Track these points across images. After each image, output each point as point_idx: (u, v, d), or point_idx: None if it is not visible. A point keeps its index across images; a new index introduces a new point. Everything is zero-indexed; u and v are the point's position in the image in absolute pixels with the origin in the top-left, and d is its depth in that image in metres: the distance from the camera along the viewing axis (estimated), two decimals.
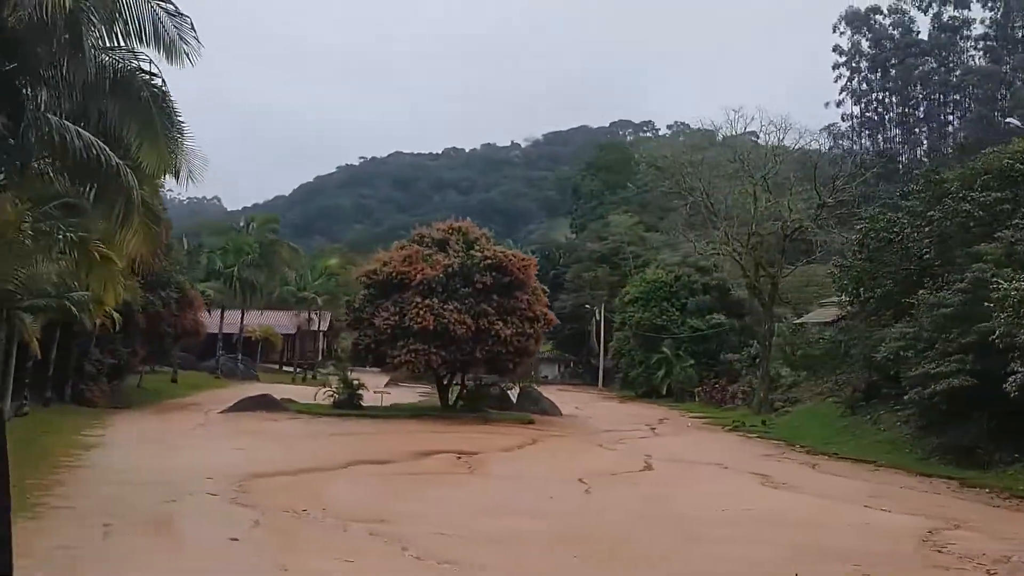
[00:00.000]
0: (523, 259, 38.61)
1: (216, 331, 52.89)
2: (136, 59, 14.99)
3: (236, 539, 13.65)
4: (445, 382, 40.65)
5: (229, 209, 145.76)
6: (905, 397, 28.05)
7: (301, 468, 22.10)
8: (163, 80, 14.95)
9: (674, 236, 72.29)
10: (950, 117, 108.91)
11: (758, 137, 52.67)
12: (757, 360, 52.67)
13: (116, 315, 29.07)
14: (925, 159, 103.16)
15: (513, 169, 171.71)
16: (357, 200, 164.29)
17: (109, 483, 18.60)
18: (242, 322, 56.16)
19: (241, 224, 58.87)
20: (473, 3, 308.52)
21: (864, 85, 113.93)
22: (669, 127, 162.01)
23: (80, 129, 15.23)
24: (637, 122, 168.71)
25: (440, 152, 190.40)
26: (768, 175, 45.52)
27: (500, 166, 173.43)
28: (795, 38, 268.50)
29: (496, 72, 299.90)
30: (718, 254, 48.32)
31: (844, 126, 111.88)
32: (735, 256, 46.31)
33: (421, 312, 36.45)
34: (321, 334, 67.57)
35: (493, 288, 37.32)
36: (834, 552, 14.07)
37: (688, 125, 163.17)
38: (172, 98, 15.07)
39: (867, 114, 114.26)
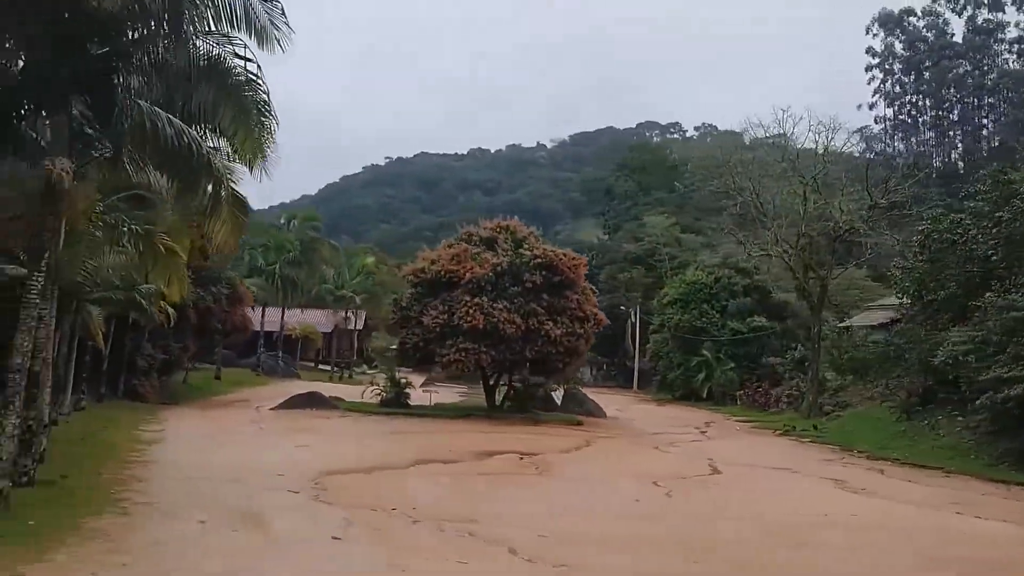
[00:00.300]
0: (573, 258, 38.11)
1: (258, 328, 52.75)
2: (231, 43, 14.58)
3: (338, 538, 13.28)
4: (492, 382, 40.15)
5: (255, 208, 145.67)
6: (977, 402, 27.28)
7: (371, 466, 21.76)
8: (258, 66, 14.56)
9: (715, 237, 71.86)
10: (984, 120, 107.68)
11: (786, 139, 51.99)
12: (804, 363, 52.06)
13: (171, 310, 28.80)
14: (960, 162, 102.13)
15: (539, 170, 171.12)
16: (382, 200, 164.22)
17: (184, 479, 18.30)
18: (283, 319, 55.98)
19: (282, 221, 58.71)
20: (498, 6, 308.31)
21: (897, 87, 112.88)
22: (696, 128, 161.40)
23: (171, 116, 14.87)
24: (664, 124, 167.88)
25: (465, 152, 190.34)
26: (818, 175, 44.80)
27: (525, 167, 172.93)
28: (821, 42, 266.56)
29: (522, 73, 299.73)
30: (768, 255, 47.53)
31: (877, 128, 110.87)
32: (784, 257, 45.59)
33: (471, 311, 36.03)
34: (356, 333, 67.30)
35: (543, 287, 36.86)
36: (955, 559, 13.55)
37: (715, 127, 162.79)
38: (264, 84, 14.65)
39: (900, 117, 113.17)
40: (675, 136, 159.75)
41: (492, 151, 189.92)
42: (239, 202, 15.81)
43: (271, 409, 35.66)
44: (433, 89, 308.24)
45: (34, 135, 16.17)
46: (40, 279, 14.69)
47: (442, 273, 37.51)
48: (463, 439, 28.84)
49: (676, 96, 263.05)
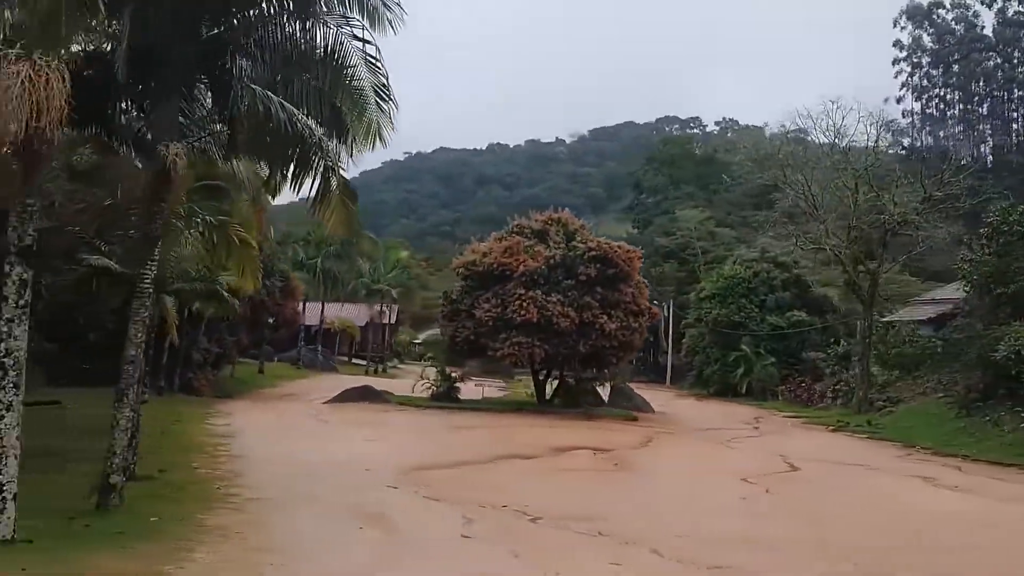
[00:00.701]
0: (628, 251, 37.56)
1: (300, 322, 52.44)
2: (348, 24, 14.08)
3: (468, 537, 12.83)
4: (542, 377, 39.70)
5: (275, 203, 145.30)
6: None
7: (453, 461, 21.35)
8: (377, 48, 14.05)
9: (746, 233, 71.31)
10: (1015, 114, 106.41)
11: (807, 134, 51.36)
12: (849, 358, 51.41)
13: (236, 302, 28.39)
14: (990, 156, 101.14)
15: (558, 165, 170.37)
16: (402, 195, 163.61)
17: (279, 473, 17.89)
18: (322, 313, 55.62)
19: None
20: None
21: (925, 81, 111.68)
22: (717, 123, 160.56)
23: (283, 101, 14.42)
24: (683, 118, 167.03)
25: (484, 148, 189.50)
26: (870, 167, 44.10)
27: (545, 162, 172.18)
28: (846, 35, 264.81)
29: (541, 67, 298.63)
30: (821, 248, 46.89)
31: (904, 123, 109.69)
32: (835, 251, 44.91)
33: (525, 304, 35.51)
34: (388, 327, 66.94)
35: (598, 280, 36.34)
36: None
37: (736, 121, 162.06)
38: (383, 67, 14.14)
39: (928, 110, 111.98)
40: (695, 131, 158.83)
41: (511, 146, 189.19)
42: (349, 191, 15.31)
43: (324, 403, 35.28)
44: (452, 84, 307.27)
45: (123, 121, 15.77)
46: (154, 268, 14.29)
47: (494, 266, 36.97)
48: (529, 434, 28.39)
49: (695, 91, 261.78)
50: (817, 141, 50.09)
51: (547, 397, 39.76)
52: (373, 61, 14.11)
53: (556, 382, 40.11)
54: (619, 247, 37.57)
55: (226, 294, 25.14)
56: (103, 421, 25.25)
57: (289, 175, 15.12)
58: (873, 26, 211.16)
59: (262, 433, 24.31)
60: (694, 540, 13.14)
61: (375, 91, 14.17)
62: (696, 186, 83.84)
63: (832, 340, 55.94)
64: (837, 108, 47.61)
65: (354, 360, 64.29)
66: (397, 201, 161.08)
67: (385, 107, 14.18)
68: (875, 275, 44.36)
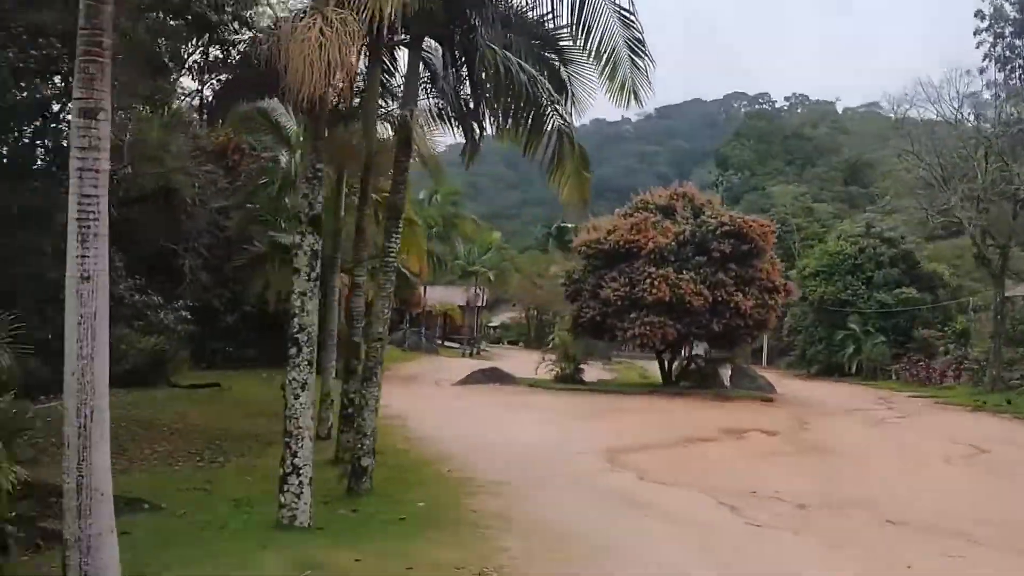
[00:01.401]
0: (763, 225, 36.22)
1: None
2: None
3: (757, 525, 11.94)
4: (668, 357, 38.68)
5: None
6: None
7: (641, 444, 20.47)
8: (631, 1, 13.10)
9: (839, 209, 69.39)
10: None
11: (881, 108, 49.28)
12: (967, 336, 49.67)
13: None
14: None
15: (625, 144, 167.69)
16: (469, 178, 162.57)
17: (495, 456, 17.09)
18: (424, 296, 55.13)
19: (421, 196, 57.69)
20: None
21: (1008, 52, 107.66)
22: (787, 99, 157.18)
23: (521, 62, 13.56)
24: (752, 95, 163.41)
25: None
26: (999, 137, 42.19)
27: (612, 141, 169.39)
28: (909, 7, 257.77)
29: None
30: (951, 221, 45.11)
31: (988, 95, 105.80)
32: (970, 223, 43.06)
33: (656, 282, 34.43)
34: (479, 309, 66.29)
35: (732, 256, 35.08)
36: None
37: (807, 96, 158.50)
38: (638, 22, 13.18)
39: (1012, 81, 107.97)
40: (764, 106, 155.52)
41: (577, 126, 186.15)
42: (583, 157, 14.43)
43: (454, 385, 34.62)
44: None
45: None
46: (398, 240, 13.58)
47: (620, 243, 35.93)
48: (688, 416, 27.45)
49: (761, 67, 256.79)
50: (914, 114, 48.02)
51: (672, 378, 38.73)
52: (627, 15, 13.17)
53: (677, 363, 39.02)
54: (754, 221, 36.25)
55: (409, 274, 24.52)
56: (264, 402, 24.98)
57: (523, 140, 14.22)
58: None
59: (425, 416, 23.57)
60: (995, 526, 12.08)
61: (629, 46, 13.23)
62: (783, 161, 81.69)
63: (943, 317, 54.19)
64: (960, 76, 45.62)
65: (447, 343, 63.77)
66: (464, 184, 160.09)
67: (641, 64, 13.21)
68: (1006, 249, 42.52)
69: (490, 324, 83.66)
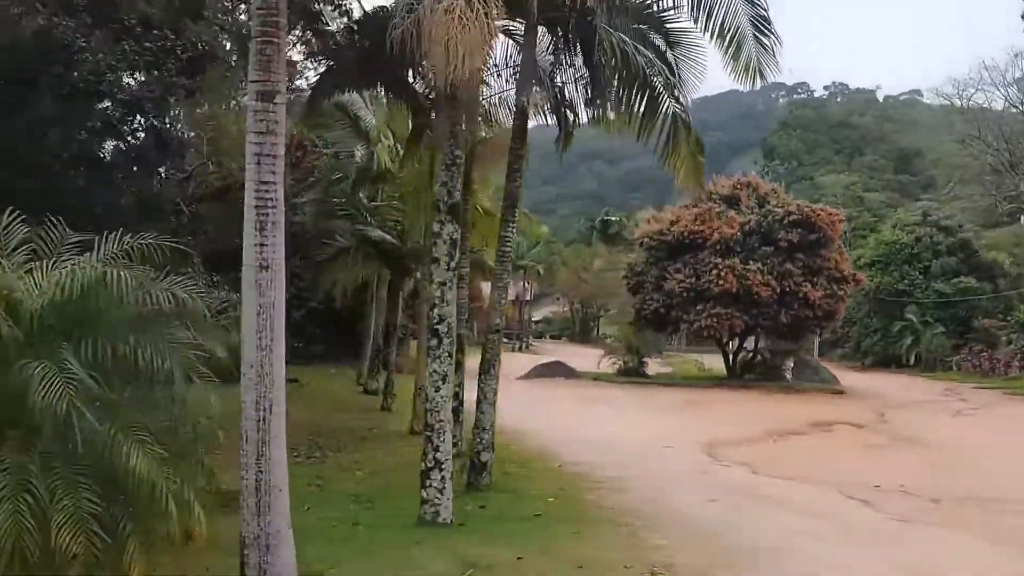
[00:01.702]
0: (831, 213, 35.54)
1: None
2: None
3: (905, 521, 11.51)
4: (732, 349, 38.14)
5: None
6: None
7: (735, 438, 20.05)
8: None
9: (892, 197, 68.19)
10: None
11: (922, 95, 48.26)
12: None
13: None
14: None
15: None
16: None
17: (592, 450, 16.75)
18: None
19: None
20: None
21: None
22: (825, 88, 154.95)
23: (637, 45, 13.20)
24: (790, 84, 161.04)
25: (585, 121, 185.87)
26: None
27: None
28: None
29: None
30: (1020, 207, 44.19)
31: None
32: None
33: (722, 273, 33.90)
34: (524, 304, 65.95)
35: (799, 246, 34.45)
36: None
37: (846, 85, 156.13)
38: None
39: None
40: (803, 96, 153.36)
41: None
42: (697, 141, 14.03)
43: (518, 379, 34.31)
44: None
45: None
46: (513, 230, 13.29)
47: (684, 234, 35.43)
48: (766, 409, 26.97)
49: (796, 55, 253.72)
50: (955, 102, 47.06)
51: (736, 371, 38.18)
52: None
53: (742, 356, 38.45)
54: (821, 210, 35.60)
55: (496, 266, 24.13)
56: (342, 398, 24.82)
57: (637, 124, 13.84)
58: None
59: (506, 410, 23.13)
60: None
61: (753, 24, 12.80)
62: (831, 150, 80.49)
63: (1004, 307, 53.00)
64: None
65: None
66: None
67: (767, 42, 12.76)
68: None
69: (534, 319, 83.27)
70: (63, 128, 11.86)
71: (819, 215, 34.83)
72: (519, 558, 8.64)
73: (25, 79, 11.29)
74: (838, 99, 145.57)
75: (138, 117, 12.20)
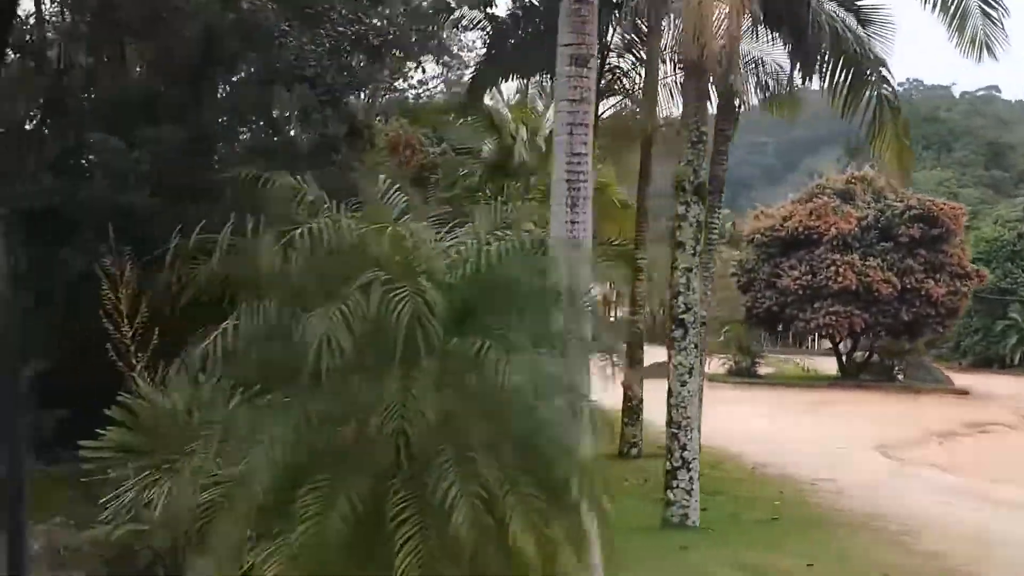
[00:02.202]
0: (953, 207, 34.31)
1: None
2: None
3: None
4: (847, 348, 36.94)
5: None
6: None
7: (902, 439, 19.11)
8: None
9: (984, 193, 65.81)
10: None
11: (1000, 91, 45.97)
12: None
13: None
14: None
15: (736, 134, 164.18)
16: None
17: (767, 452, 15.99)
18: None
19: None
20: None
21: None
22: (900, 84, 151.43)
23: (847, 19, 12.46)
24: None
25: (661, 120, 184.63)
26: None
27: None
28: None
29: None
30: None
31: None
32: None
33: (841, 270, 32.75)
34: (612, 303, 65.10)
35: (920, 241, 33.15)
36: None
37: (922, 81, 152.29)
38: None
39: None
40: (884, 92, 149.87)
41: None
42: (904, 124, 13.20)
43: None
44: None
45: None
46: (719, 216, 12.61)
47: (798, 230, 34.32)
48: (905, 410, 26.02)
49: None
50: None
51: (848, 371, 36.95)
52: None
53: (859, 355, 37.19)
54: (944, 204, 34.34)
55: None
56: None
57: (840, 101, 13.09)
58: None
59: (652, 409, 22.67)
60: None
61: None
62: (920, 146, 77.99)
63: None
64: None
65: None
66: None
67: (994, 14, 11.90)
68: None
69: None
70: (262, 115, 11.50)
71: (941, 209, 33.54)
72: (809, 564, 7.95)
73: (225, 64, 10.91)
74: (913, 95, 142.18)
75: (328, 106, 11.69)
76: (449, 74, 20.35)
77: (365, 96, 12.78)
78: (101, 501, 8.64)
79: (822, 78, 13.01)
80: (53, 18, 12.19)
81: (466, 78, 18.88)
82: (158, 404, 8.84)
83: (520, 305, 4.44)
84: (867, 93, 12.89)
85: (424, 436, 3.92)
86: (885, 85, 12.93)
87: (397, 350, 3.69)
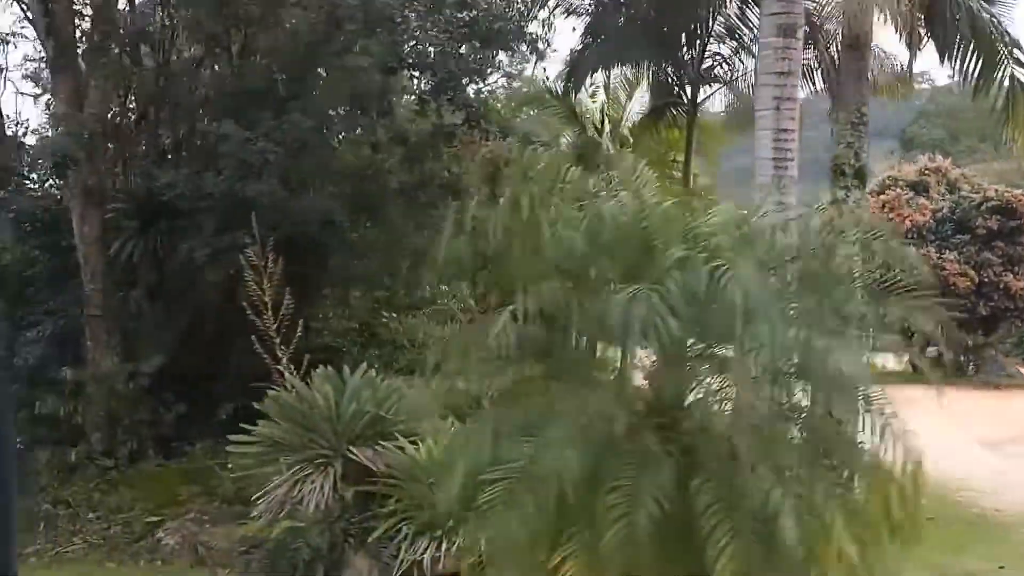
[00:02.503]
0: None
1: None
2: None
3: None
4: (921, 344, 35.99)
5: None
6: None
7: (1007, 436, 18.39)
8: None
9: None
10: None
11: None
12: None
13: None
14: None
15: None
16: None
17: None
18: None
19: None
20: None
21: None
22: (948, 76, 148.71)
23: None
24: (914, 71, 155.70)
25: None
26: None
27: None
28: None
29: None
30: None
31: None
32: None
33: None
34: None
35: (999, 233, 32.29)
36: None
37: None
38: None
39: None
40: (924, 86, 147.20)
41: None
42: None
43: None
44: None
45: None
46: None
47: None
48: (992, 405, 25.21)
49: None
50: None
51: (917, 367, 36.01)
52: None
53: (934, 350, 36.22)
54: (1022, 194, 33.33)
55: None
56: None
57: (971, 84, 12.63)
58: None
59: None
60: None
61: None
62: (976, 138, 76.39)
63: None
64: None
65: None
66: None
67: None
68: None
69: None
70: (378, 103, 11.24)
71: (1021, 200, 32.60)
72: (1001, 567, 7.50)
73: (346, 50, 10.65)
74: (961, 87, 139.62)
75: (448, 92, 11.42)
76: (539, 64, 19.97)
77: (480, 84, 12.43)
78: (253, 498, 8.41)
79: (952, 60, 12.52)
80: (166, 7, 11.98)
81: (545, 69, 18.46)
82: (308, 398, 8.61)
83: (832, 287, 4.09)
84: (998, 75, 12.43)
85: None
86: (1019, 67, 12.40)
87: (736, 335, 3.33)
